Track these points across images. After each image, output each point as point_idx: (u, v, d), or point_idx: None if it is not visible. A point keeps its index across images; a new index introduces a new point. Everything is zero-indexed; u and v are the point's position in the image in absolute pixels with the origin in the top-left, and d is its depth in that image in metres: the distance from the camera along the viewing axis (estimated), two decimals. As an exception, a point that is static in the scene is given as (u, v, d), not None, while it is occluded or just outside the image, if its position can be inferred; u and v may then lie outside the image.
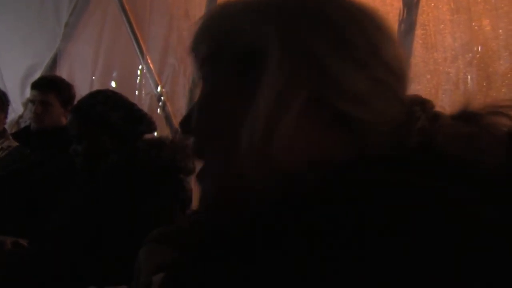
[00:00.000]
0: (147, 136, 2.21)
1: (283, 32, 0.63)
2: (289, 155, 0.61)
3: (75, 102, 2.98)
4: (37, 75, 3.89)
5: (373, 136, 0.63)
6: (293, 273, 0.49)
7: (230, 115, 0.64)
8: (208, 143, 0.67)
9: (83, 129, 2.12)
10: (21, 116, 4.08)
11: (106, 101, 2.16)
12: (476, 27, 2.09)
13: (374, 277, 0.47)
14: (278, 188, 0.61)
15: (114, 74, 3.78)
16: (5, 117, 3.35)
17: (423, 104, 0.68)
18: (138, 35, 3.61)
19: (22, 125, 3.85)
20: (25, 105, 3.98)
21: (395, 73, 0.65)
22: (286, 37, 0.63)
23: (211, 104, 0.67)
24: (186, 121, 0.71)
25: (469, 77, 2.25)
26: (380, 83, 0.63)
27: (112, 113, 2.12)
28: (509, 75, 2.01)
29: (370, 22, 0.65)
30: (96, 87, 3.70)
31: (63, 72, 3.98)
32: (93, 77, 3.88)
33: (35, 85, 2.91)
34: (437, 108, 0.72)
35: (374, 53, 0.64)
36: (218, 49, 0.68)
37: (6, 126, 3.46)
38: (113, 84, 3.78)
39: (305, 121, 0.62)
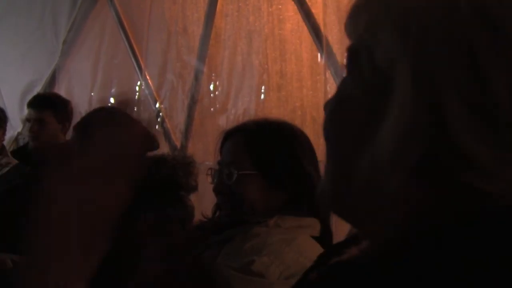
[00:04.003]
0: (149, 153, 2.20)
1: (415, 64, 0.52)
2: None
3: (73, 118, 2.98)
4: (36, 92, 3.90)
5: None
6: None
7: (357, 130, 0.57)
8: (329, 145, 0.61)
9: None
10: (20, 133, 4.08)
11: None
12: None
13: None
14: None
15: (113, 90, 3.78)
16: (4, 134, 3.35)
17: None
18: (136, 51, 3.62)
19: (21, 142, 3.85)
20: (24, 122, 3.98)
21: None
22: (417, 70, 0.52)
23: (341, 110, 0.59)
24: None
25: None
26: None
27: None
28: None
29: None
30: (95, 103, 3.70)
31: (62, 88, 3.99)
32: (92, 93, 3.88)
33: (30, 104, 2.93)
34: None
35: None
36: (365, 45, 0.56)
37: (5, 143, 3.45)
38: (111, 100, 3.79)
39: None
